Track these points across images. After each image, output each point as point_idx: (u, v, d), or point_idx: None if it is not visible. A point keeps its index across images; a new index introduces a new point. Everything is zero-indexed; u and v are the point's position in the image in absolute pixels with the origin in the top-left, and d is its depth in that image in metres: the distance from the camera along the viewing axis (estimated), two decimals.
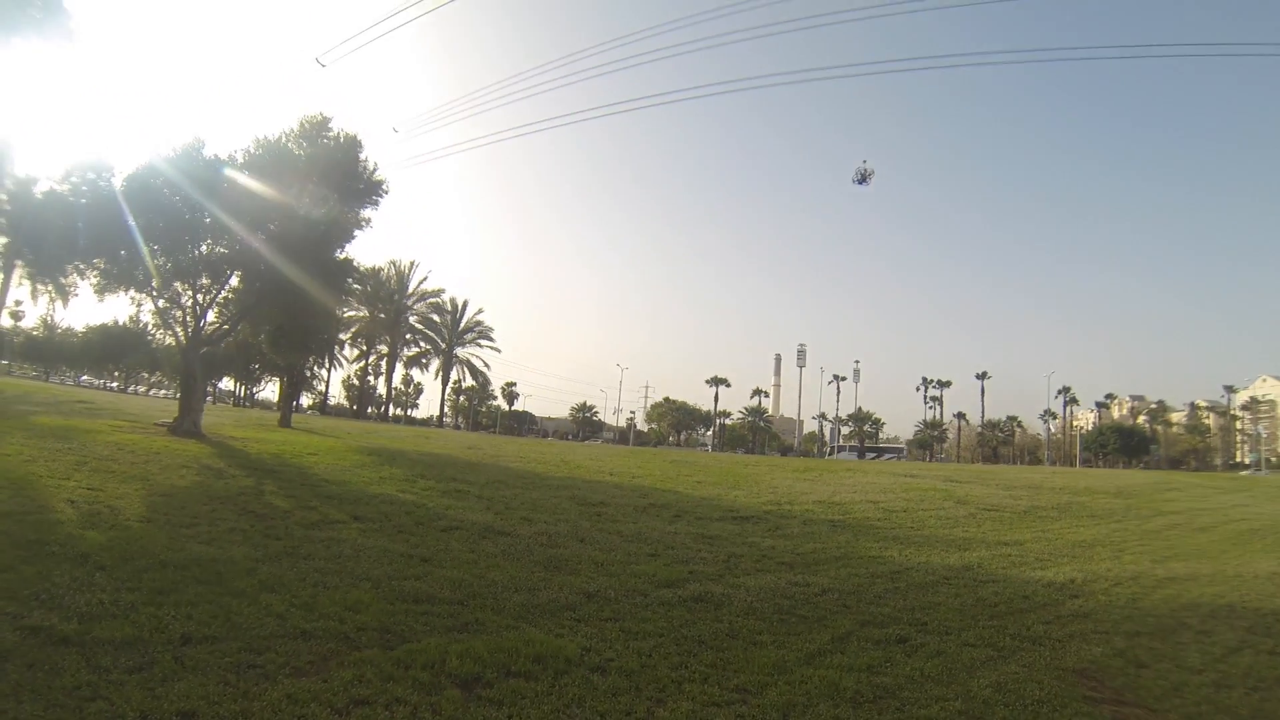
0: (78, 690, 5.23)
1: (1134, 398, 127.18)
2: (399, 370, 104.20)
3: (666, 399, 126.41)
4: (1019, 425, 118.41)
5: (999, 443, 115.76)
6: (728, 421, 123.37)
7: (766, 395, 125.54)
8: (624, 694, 5.94)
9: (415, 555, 10.39)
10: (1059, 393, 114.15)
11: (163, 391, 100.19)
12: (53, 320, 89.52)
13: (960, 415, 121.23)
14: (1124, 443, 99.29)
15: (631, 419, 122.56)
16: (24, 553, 8.36)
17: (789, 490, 20.11)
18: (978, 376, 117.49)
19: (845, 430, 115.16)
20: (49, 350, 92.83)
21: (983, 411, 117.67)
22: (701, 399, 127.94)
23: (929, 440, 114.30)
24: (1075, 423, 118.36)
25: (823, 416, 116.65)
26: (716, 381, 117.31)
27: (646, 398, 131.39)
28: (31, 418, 22.99)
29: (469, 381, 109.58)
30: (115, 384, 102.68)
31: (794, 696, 6.00)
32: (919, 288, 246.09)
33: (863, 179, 36.59)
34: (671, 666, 6.63)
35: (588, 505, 15.88)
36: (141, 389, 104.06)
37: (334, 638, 6.83)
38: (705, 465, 28.52)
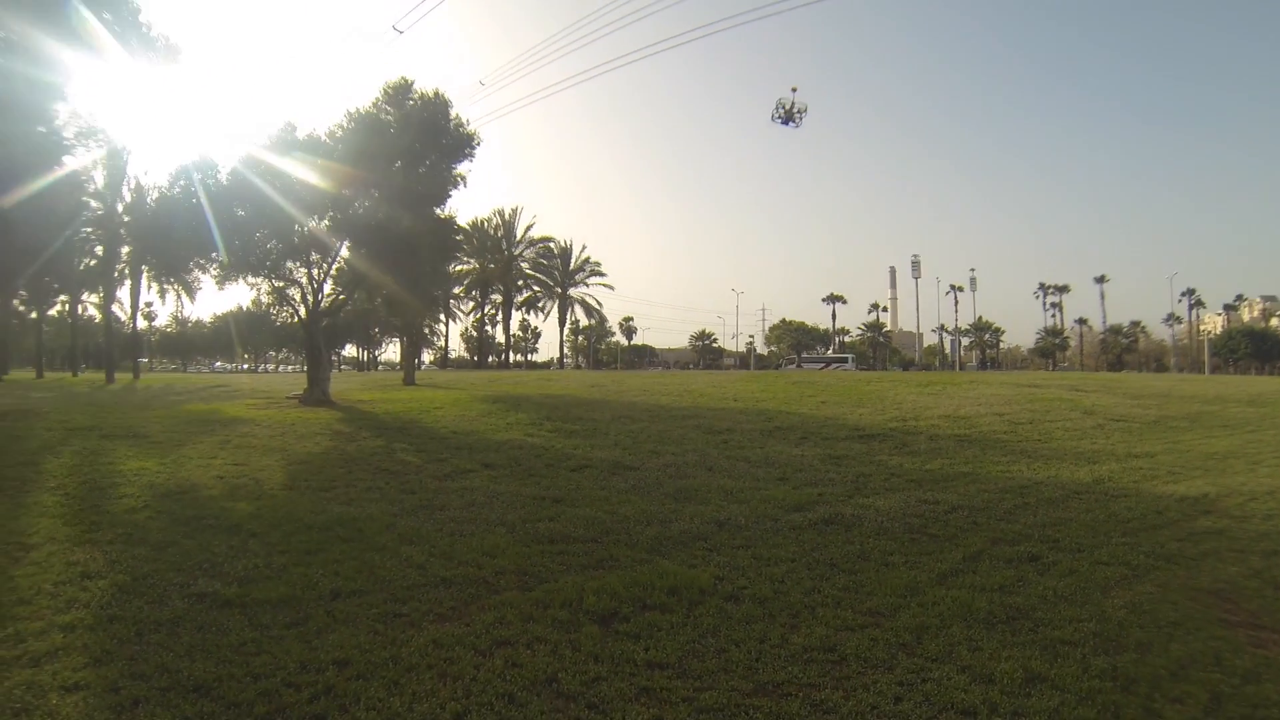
0: (243, 647, 5.79)
1: (1266, 298, 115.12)
2: (515, 317, 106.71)
3: (784, 320, 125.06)
4: (1143, 331, 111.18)
5: (1122, 349, 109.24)
6: (846, 339, 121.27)
7: (884, 310, 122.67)
8: (758, 621, 6.10)
9: (547, 497, 10.82)
10: (1183, 295, 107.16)
11: (290, 366, 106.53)
12: (182, 315, 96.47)
13: (1081, 321, 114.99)
14: (1256, 347, 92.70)
15: (751, 343, 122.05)
16: (184, 528, 9.22)
17: (913, 406, 19.73)
18: (1096, 280, 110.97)
19: (966, 341, 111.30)
20: (183, 343, 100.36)
21: (1104, 317, 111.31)
22: (819, 318, 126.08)
23: (1050, 348, 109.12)
24: (1202, 326, 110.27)
25: (942, 329, 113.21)
26: (833, 299, 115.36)
27: (764, 320, 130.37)
28: (176, 406, 24.92)
29: (585, 321, 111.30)
30: (246, 365, 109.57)
31: (927, 619, 6.02)
32: (1033, 189, 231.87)
33: (787, 118, 30.78)
34: (804, 591, 6.74)
35: (713, 433, 16.02)
36: (270, 367, 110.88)
37: (473, 583, 7.26)
38: (827, 385, 28.20)
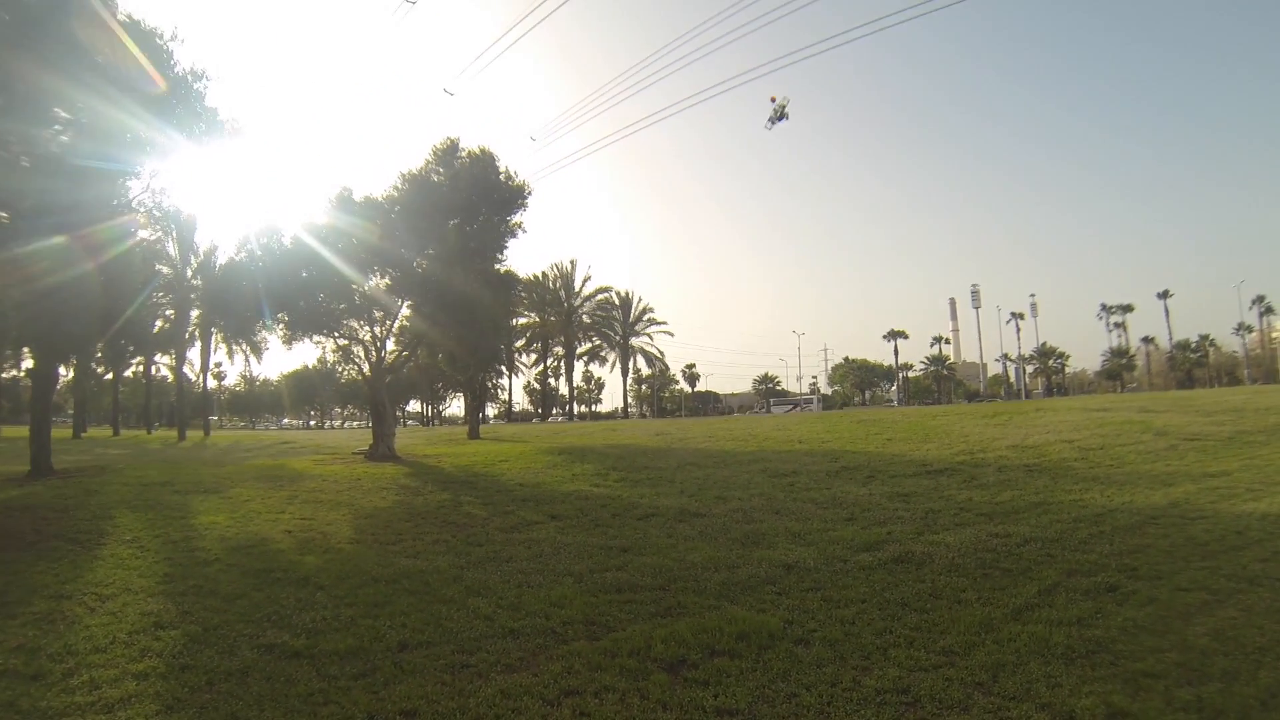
0: (311, 697, 5.92)
1: None
2: (577, 368, 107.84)
3: (846, 359, 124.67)
4: (1212, 344, 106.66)
5: (1192, 365, 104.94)
6: (910, 374, 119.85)
7: (946, 342, 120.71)
8: (829, 664, 6.03)
9: (614, 546, 10.88)
10: (1253, 303, 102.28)
11: (355, 422, 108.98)
12: (250, 374, 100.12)
13: (1147, 340, 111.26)
14: None
15: (814, 384, 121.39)
16: (253, 580, 9.47)
17: (980, 438, 19.34)
18: (1159, 296, 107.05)
19: (1030, 368, 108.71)
20: (250, 401, 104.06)
21: (1170, 333, 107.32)
22: (881, 354, 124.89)
23: (1117, 370, 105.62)
24: (1273, 334, 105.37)
25: (1005, 357, 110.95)
26: (894, 335, 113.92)
27: (826, 360, 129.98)
28: (245, 462, 25.73)
29: (648, 370, 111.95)
30: (312, 422, 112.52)
31: (1002, 656, 5.90)
32: (1089, 206, 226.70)
33: (780, 117, 30.85)
34: (875, 633, 6.65)
35: (779, 476, 15.96)
36: (336, 423, 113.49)
37: (541, 633, 7.31)
38: (893, 421, 27.81)
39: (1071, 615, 6.71)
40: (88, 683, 6.31)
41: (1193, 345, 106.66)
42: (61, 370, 30.45)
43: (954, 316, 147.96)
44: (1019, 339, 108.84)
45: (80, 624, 7.85)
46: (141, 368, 66.36)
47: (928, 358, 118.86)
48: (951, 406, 56.17)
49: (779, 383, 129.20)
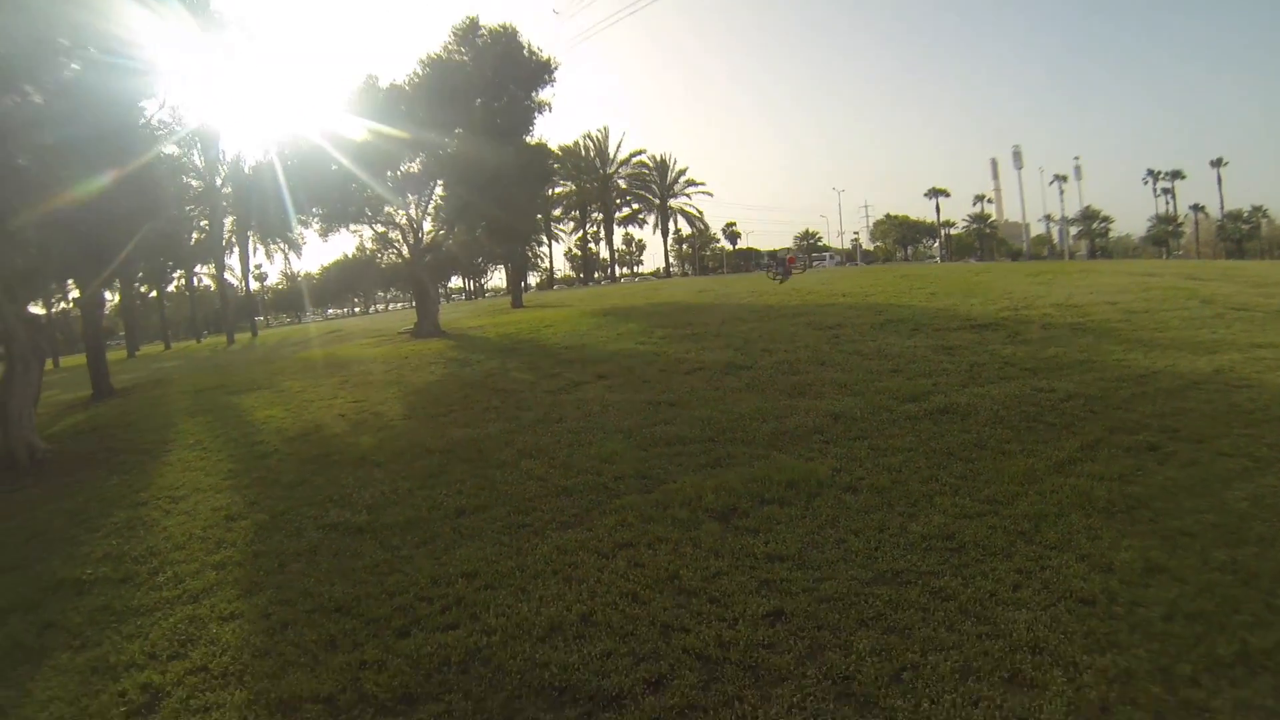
0: (376, 568, 6.25)
1: None
2: (617, 233, 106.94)
3: (888, 215, 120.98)
4: (1264, 216, 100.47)
5: (1243, 236, 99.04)
6: (951, 231, 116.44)
7: (989, 201, 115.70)
8: (876, 511, 6.18)
9: (662, 401, 11.01)
10: None
11: (399, 304, 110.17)
12: (291, 271, 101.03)
13: (1197, 208, 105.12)
14: None
15: (856, 240, 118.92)
16: (313, 466, 9.86)
17: (1023, 295, 18.84)
18: (1213, 164, 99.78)
19: (1074, 231, 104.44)
20: (294, 297, 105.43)
21: (1221, 203, 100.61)
22: (922, 212, 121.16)
23: (1163, 236, 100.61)
24: None
25: (1048, 218, 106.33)
26: (935, 193, 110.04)
27: (867, 217, 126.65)
28: (294, 355, 26.33)
29: (688, 230, 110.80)
30: (357, 309, 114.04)
31: (1045, 507, 5.96)
32: (1135, 74, 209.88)
33: None
34: (921, 480, 6.75)
35: (824, 329, 15.87)
36: (380, 307, 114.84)
37: (593, 490, 7.55)
38: (936, 277, 27.27)
39: (1113, 471, 6.68)
40: (172, 578, 6.74)
41: (1245, 216, 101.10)
42: (107, 295, 31.11)
43: (995, 176, 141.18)
44: (1062, 201, 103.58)
45: (158, 526, 8.31)
46: (183, 281, 67.38)
47: (970, 216, 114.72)
48: (995, 264, 54.60)
49: (820, 239, 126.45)
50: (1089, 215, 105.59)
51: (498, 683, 4.49)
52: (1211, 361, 10.84)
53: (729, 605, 4.98)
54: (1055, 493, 6.22)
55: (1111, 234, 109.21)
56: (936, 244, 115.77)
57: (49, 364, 29.27)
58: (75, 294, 25.05)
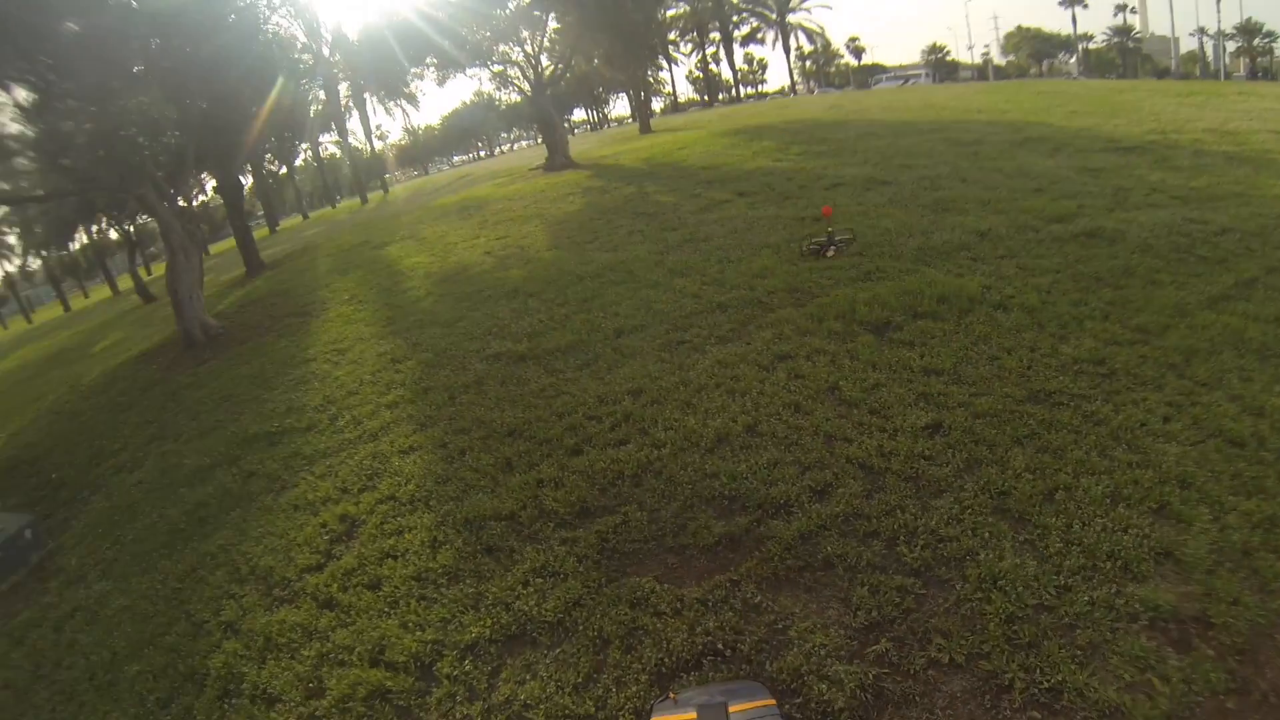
0: (544, 392, 6.43)
1: None
2: (737, 52, 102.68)
3: (1019, 27, 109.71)
4: None
5: None
6: (1090, 45, 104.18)
7: (1132, 10, 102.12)
8: (1027, 330, 5.92)
9: (806, 216, 10.74)
10: None
11: (524, 143, 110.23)
12: (411, 126, 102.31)
13: None
14: None
15: (986, 53, 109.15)
16: (467, 303, 10.15)
17: (1172, 117, 16.67)
18: None
19: (1231, 47, 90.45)
20: (419, 151, 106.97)
21: None
22: (1056, 23, 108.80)
23: None
24: None
25: (1202, 32, 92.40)
26: (1071, 2, 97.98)
27: (997, 29, 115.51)
28: (430, 204, 26.84)
29: (809, 46, 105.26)
30: (483, 153, 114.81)
31: (1195, 341, 5.49)
32: None
33: None
34: (1071, 303, 6.37)
35: (962, 145, 14.91)
36: (505, 148, 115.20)
37: (748, 304, 7.48)
38: (1075, 94, 24.70)
39: (1269, 312, 5.97)
40: (350, 421, 7.16)
41: None
42: (243, 179, 32.46)
43: None
44: (1219, 12, 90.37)
45: (330, 378, 8.77)
46: (310, 152, 69.48)
47: (1111, 28, 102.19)
48: (1139, 82, 48.59)
49: (948, 53, 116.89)
50: (1249, 29, 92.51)
51: (670, 493, 4.61)
52: None
53: (889, 417, 4.96)
54: (1207, 328, 5.74)
55: (1277, 53, 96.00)
56: (1073, 59, 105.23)
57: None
58: (213, 183, 26.29)
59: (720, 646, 3.41)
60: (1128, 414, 4.60)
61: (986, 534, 3.73)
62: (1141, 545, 3.51)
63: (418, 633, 3.93)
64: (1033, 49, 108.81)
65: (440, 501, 5.11)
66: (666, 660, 3.39)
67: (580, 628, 3.69)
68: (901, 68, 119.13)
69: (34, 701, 4.74)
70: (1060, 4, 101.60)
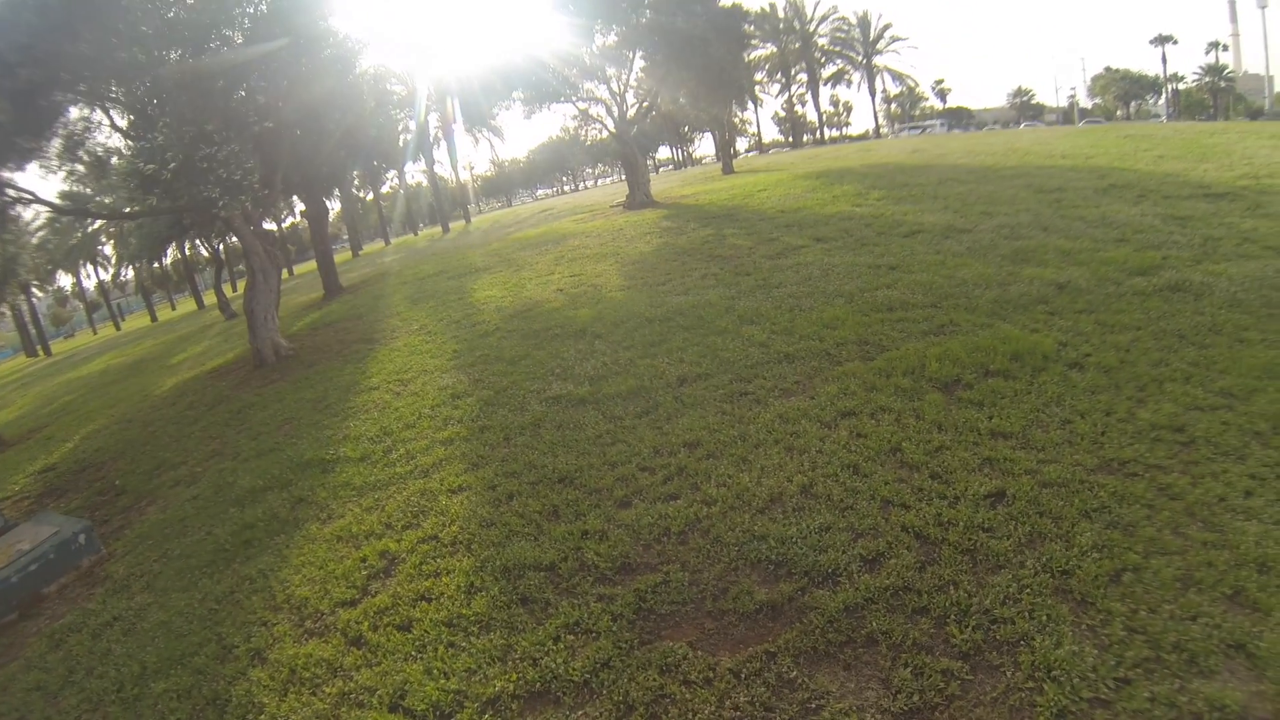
0: (599, 438, 6.38)
1: None
2: (823, 94, 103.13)
3: (1107, 68, 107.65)
4: None
5: None
6: (1180, 85, 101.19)
7: (1225, 49, 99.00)
8: (1103, 392, 5.68)
9: (881, 265, 10.58)
10: None
11: (608, 179, 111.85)
12: (497, 157, 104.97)
13: None
14: None
15: (1073, 95, 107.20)
16: (533, 341, 10.21)
17: (1267, 161, 15.94)
18: None
19: None
20: (503, 182, 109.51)
21: None
22: (1145, 63, 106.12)
23: None
24: None
25: None
26: (1161, 40, 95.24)
27: (1084, 71, 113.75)
28: (508, 237, 27.33)
29: (895, 89, 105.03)
30: (567, 187, 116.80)
31: None
32: None
33: None
34: (1151, 363, 6.10)
35: (1044, 192, 14.60)
36: (589, 184, 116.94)
37: (815, 356, 7.36)
38: (1163, 137, 23.92)
39: None
40: (404, 455, 7.21)
41: None
42: (329, 204, 33.61)
43: (1234, 19, 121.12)
44: None
45: (390, 408, 8.89)
46: (397, 180, 71.54)
47: (1202, 67, 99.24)
48: (1231, 124, 46.90)
49: (1033, 96, 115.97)
50: None
51: (715, 554, 4.50)
52: None
53: (950, 482, 4.78)
54: None
55: None
56: (1162, 100, 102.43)
57: (284, 274, 32.13)
58: (301, 207, 27.21)
59: None
60: (1206, 487, 4.34)
61: (1044, 617, 3.52)
62: (1211, 636, 3.27)
63: (441, 680, 3.88)
64: (1120, 90, 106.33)
65: (481, 546, 5.07)
66: None
67: (606, 690, 3.59)
68: (987, 110, 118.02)
69: (62, 706, 4.83)
70: (1151, 43, 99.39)
